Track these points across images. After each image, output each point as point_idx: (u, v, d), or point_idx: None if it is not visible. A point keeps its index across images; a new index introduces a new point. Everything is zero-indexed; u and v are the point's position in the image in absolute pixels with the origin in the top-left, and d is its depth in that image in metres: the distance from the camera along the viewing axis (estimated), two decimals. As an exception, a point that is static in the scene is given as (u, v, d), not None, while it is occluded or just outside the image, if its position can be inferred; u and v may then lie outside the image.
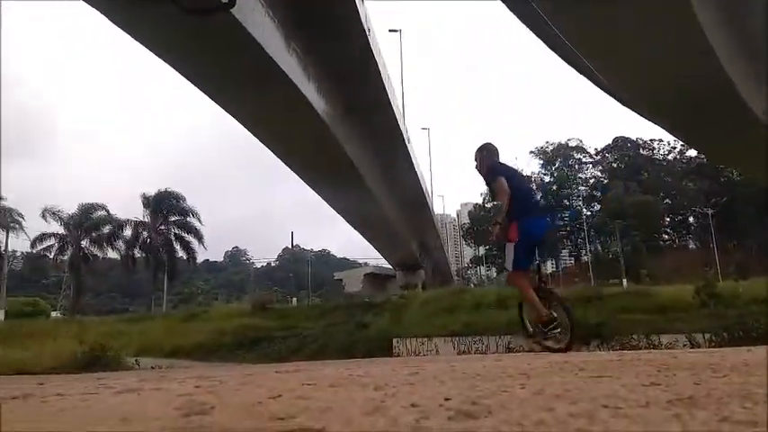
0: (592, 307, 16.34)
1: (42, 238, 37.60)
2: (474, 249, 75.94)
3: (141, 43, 14.45)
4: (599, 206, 66.98)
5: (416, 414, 1.19)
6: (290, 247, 65.27)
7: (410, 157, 30.04)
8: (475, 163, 5.57)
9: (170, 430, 1.12)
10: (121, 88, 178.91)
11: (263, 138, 22.14)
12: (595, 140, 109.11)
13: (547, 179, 73.24)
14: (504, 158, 5.76)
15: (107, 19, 13.28)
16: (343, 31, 17.41)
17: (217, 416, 1.28)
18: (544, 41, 22.69)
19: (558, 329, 4.82)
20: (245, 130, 21.12)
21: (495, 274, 67.95)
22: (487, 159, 5.47)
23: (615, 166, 72.76)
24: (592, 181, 73.48)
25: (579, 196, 68.75)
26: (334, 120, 20.62)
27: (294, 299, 41.80)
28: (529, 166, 73.61)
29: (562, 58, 24.19)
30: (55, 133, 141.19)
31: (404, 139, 27.86)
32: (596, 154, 75.15)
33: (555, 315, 4.84)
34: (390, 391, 1.67)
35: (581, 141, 74.75)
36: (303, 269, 65.52)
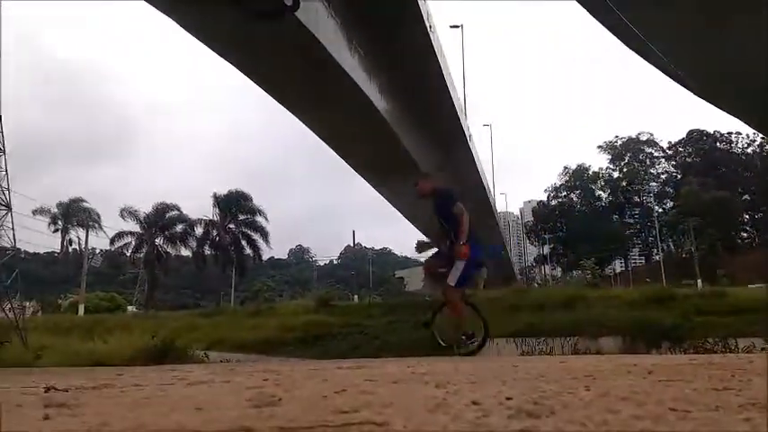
0: (663, 308, 15.69)
1: (120, 236, 39.80)
2: (538, 248, 74.21)
3: (207, 45, 14.95)
4: (672, 203, 64.05)
5: (477, 412, 1.20)
6: (351, 245, 65.94)
7: (471, 155, 29.71)
8: (417, 187, 5.89)
9: (242, 420, 1.18)
10: (190, 87, 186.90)
11: (326, 137, 22.47)
12: (668, 134, 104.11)
13: (615, 175, 70.86)
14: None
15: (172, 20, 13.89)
16: (404, 30, 17.42)
17: (285, 407, 1.34)
18: (611, 30, 21.84)
19: (476, 341, 5.57)
20: (309, 129, 21.53)
21: (559, 273, 66.23)
22: (434, 184, 5.92)
23: (690, 160, 69.24)
24: (664, 176, 70.45)
25: (650, 193, 66.02)
26: (396, 119, 20.66)
27: (356, 296, 42.20)
28: (597, 162, 71.45)
29: (633, 49, 23.22)
30: (134, 136, 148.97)
31: (465, 137, 27.60)
32: (669, 148, 71.82)
33: (473, 332, 5.59)
34: (452, 388, 1.69)
35: (652, 135, 71.78)
36: (365, 267, 66.04)
